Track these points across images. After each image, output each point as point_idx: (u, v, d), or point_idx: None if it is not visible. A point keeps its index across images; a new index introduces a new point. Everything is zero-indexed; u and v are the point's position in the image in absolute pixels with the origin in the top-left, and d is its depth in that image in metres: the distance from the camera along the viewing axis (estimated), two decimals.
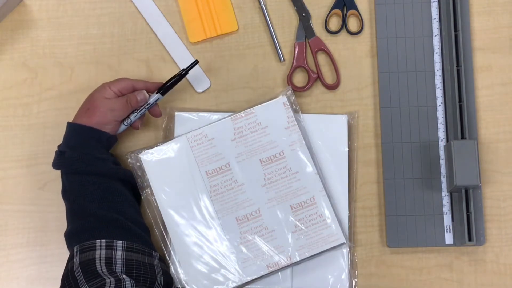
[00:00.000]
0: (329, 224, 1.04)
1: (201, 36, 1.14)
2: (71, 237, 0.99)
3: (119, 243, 0.97)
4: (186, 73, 1.06)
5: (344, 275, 1.05)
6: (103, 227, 0.98)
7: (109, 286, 0.90)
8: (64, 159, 1.00)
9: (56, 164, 1.02)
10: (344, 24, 1.14)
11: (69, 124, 1.02)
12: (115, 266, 0.95)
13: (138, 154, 1.07)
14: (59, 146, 1.02)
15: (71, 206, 1.00)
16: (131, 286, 0.91)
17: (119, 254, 0.96)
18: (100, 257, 0.95)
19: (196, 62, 1.06)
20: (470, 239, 1.03)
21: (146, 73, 1.13)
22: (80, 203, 0.99)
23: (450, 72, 1.10)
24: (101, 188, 1.00)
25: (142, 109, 1.05)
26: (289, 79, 1.12)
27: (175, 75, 1.05)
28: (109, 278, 0.91)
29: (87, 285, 0.91)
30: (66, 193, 1.01)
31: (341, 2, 1.14)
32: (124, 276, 0.93)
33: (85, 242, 0.97)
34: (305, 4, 1.14)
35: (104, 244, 0.97)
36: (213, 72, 1.13)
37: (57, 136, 1.05)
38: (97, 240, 0.97)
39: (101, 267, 0.94)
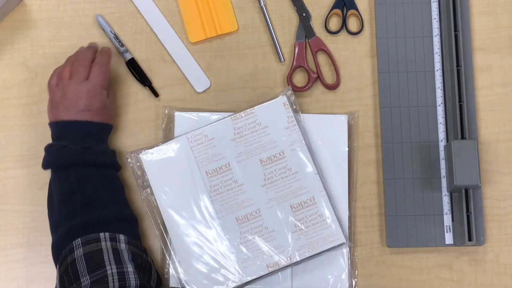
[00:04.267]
0: (329, 224, 1.04)
1: (201, 36, 1.14)
2: (68, 236, 0.96)
3: (122, 237, 0.97)
4: (145, 84, 1.11)
5: (344, 275, 1.05)
6: (106, 222, 0.97)
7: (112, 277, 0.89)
8: (75, 152, 0.99)
9: (66, 157, 0.99)
10: (344, 24, 1.14)
11: (76, 122, 1.01)
12: (123, 255, 0.94)
13: (138, 154, 1.07)
14: (57, 144, 1.01)
15: (72, 199, 0.98)
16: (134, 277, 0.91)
17: (123, 246, 0.96)
18: (107, 248, 0.94)
19: (156, 95, 1.12)
20: (470, 239, 1.03)
21: (146, 73, 1.12)
22: (88, 197, 0.98)
23: (450, 72, 1.10)
24: (108, 180, 1.01)
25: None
26: (289, 79, 1.12)
27: (141, 74, 1.11)
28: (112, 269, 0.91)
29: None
30: (67, 190, 0.99)
31: (341, 2, 1.14)
32: (130, 267, 0.92)
33: (88, 235, 0.95)
34: (305, 4, 1.14)
35: (108, 237, 0.96)
36: (213, 72, 1.13)
37: None
38: (101, 233, 0.95)
39: (108, 257, 0.93)
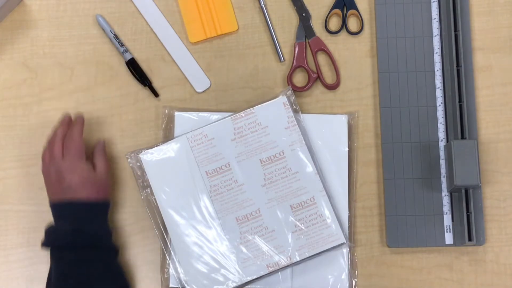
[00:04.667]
0: (329, 224, 1.04)
1: (201, 36, 1.14)
2: None
3: None
4: (145, 84, 1.11)
5: (344, 275, 1.05)
6: None
7: None
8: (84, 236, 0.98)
9: (75, 240, 0.98)
10: (344, 24, 1.14)
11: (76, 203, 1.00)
12: None
13: (138, 154, 1.07)
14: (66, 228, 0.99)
15: (66, 282, 0.96)
16: None
17: None
18: None
19: (156, 95, 1.11)
20: (470, 239, 1.03)
21: (146, 73, 1.12)
22: (81, 282, 0.96)
23: (450, 72, 1.10)
24: (102, 265, 0.99)
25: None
26: (289, 79, 1.12)
27: (141, 74, 1.11)
28: None
29: None
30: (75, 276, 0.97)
31: (341, 2, 1.14)
32: None
33: None
34: (305, 4, 1.14)
35: None
36: (213, 72, 1.13)
37: None
38: None
39: None
